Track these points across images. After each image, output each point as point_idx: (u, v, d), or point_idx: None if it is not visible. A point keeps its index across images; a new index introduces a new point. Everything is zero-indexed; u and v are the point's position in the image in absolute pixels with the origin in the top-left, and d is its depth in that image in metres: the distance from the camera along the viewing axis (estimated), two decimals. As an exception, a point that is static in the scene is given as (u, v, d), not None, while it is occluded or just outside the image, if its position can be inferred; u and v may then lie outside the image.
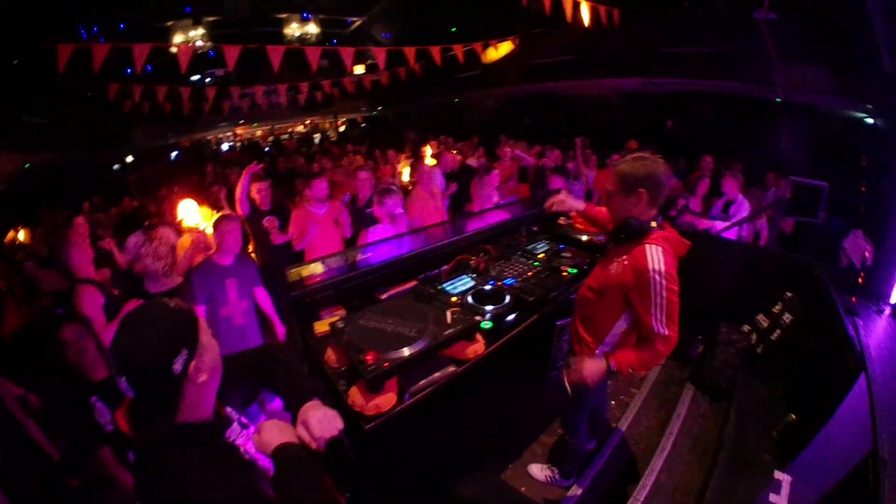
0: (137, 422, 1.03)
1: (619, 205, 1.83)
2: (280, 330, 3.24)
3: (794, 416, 2.40)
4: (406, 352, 1.65)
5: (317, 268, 2.40)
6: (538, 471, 2.60)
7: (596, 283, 1.97)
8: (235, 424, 1.19)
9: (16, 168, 11.07)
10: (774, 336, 3.10)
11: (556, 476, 2.51)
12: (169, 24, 14.58)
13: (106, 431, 2.16)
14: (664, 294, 1.66)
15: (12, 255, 5.70)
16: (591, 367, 1.83)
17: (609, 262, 1.90)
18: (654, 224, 1.77)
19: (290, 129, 20.91)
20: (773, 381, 2.97)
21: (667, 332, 1.69)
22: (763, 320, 3.23)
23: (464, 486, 2.34)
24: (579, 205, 2.46)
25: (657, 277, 1.66)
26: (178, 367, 0.96)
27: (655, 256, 1.68)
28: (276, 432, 1.12)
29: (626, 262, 1.78)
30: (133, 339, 0.94)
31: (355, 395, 1.63)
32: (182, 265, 3.66)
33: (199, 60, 13.96)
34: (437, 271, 2.63)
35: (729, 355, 3.09)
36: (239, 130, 19.47)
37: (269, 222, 3.86)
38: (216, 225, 2.97)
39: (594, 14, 6.57)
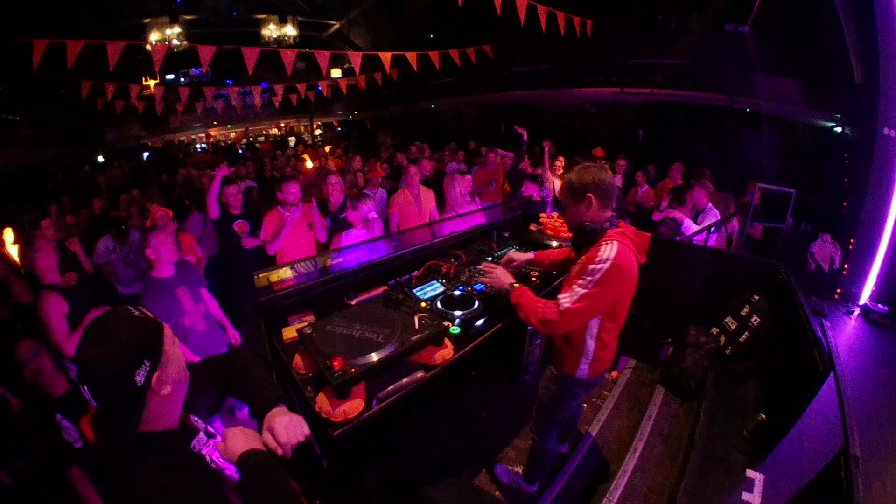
0: (101, 430, 1.01)
1: (572, 213, 1.89)
2: (232, 333, 3.19)
3: (764, 416, 2.46)
4: (373, 357, 1.65)
5: (285, 272, 2.39)
6: (503, 472, 2.62)
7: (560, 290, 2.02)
8: (202, 434, 1.18)
9: None
10: (743, 338, 3.19)
11: (519, 479, 2.53)
12: (146, 20, 14.21)
13: (75, 448, 2.10)
14: (596, 277, 1.69)
15: None
16: (502, 274, 2.06)
17: (570, 269, 1.96)
18: (607, 224, 1.83)
19: (264, 132, 20.62)
20: (743, 381, 3.04)
21: (568, 307, 1.71)
22: (731, 322, 3.32)
23: (436, 491, 2.35)
24: (528, 255, 2.51)
25: (601, 264, 1.70)
26: (140, 378, 0.95)
27: (608, 249, 1.73)
28: (241, 439, 1.11)
29: (582, 261, 1.82)
30: (94, 349, 0.93)
31: (323, 402, 1.62)
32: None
33: (175, 59, 13.66)
34: (407, 277, 2.64)
35: (698, 357, 3.16)
36: (213, 132, 19.10)
37: (239, 226, 3.82)
38: (148, 242, 2.82)
39: (567, 25, 6.71)
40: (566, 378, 2.07)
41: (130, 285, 4.14)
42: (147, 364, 0.97)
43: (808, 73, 7.80)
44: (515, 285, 2.00)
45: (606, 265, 1.69)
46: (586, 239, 1.85)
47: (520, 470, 2.59)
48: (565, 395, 2.17)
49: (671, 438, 2.88)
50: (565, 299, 1.73)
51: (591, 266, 1.71)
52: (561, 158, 5.39)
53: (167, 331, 1.07)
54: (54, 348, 2.49)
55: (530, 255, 2.51)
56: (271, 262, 4.13)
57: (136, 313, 1.02)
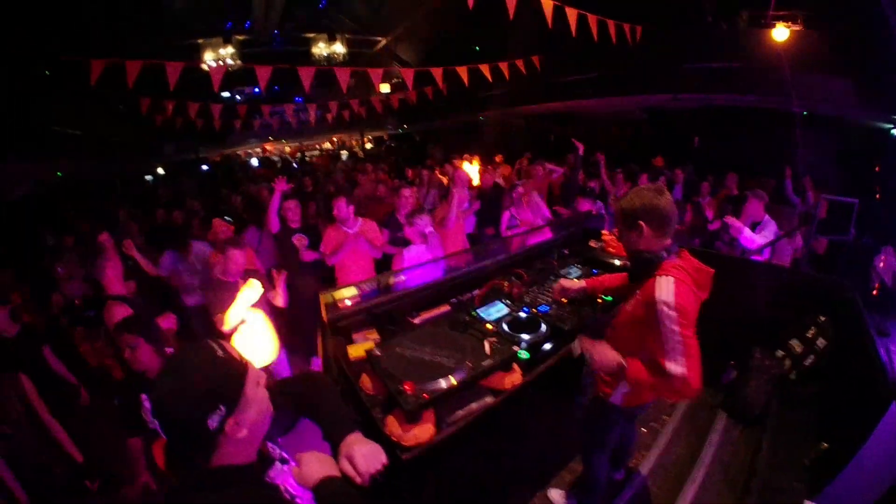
0: (173, 461, 1.01)
1: (626, 240, 1.78)
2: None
3: (825, 445, 2.34)
4: (446, 383, 1.63)
5: (349, 291, 2.42)
6: (558, 497, 2.53)
7: (616, 321, 1.92)
8: (277, 463, 1.17)
9: (47, 177, 11.43)
10: (808, 362, 3.01)
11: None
12: (200, 41, 15.04)
13: (149, 428, 2.18)
14: (674, 328, 1.55)
15: (40, 258, 5.86)
16: (605, 352, 1.76)
17: (626, 300, 1.85)
18: (665, 254, 1.69)
19: (317, 146, 21.28)
20: (807, 407, 2.89)
21: (682, 370, 1.55)
22: (797, 345, 3.12)
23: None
24: (581, 284, 2.37)
25: (665, 309, 1.55)
26: (212, 423, 0.91)
27: (665, 287, 1.59)
28: (316, 465, 1.10)
29: (638, 297, 1.72)
30: (169, 389, 0.90)
31: (393, 425, 1.61)
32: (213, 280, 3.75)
33: (230, 78, 14.39)
34: (469, 295, 2.62)
35: (762, 381, 3.01)
36: (268, 146, 19.92)
37: (298, 240, 3.92)
38: (221, 248, 3.04)
39: (618, 31, 6.57)
40: (602, 403, 1.98)
41: (195, 294, 4.32)
42: (222, 409, 0.92)
43: (863, 73, 7.28)
44: (624, 364, 1.75)
45: (672, 313, 1.54)
46: (641, 269, 1.74)
47: (573, 494, 2.50)
48: (605, 420, 2.06)
49: (732, 467, 2.74)
50: (672, 365, 1.56)
51: (656, 309, 1.57)
52: (620, 171, 5.23)
53: (252, 371, 1.02)
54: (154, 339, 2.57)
55: (583, 283, 2.37)
56: (328, 275, 4.23)
57: (220, 353, 0.97)
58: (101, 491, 2.57)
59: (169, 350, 2.35)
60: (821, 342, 2.98)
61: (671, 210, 1.68)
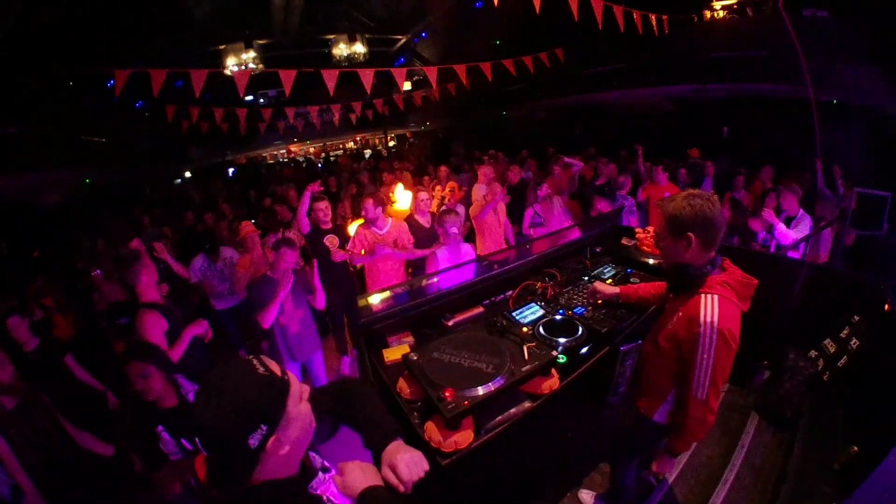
0: (213, 477, 0.98)
1: (668, 250, 1.66)
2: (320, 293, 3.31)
3: (856, 448, 2.24)
4: (485, 389, 1.61)
5: (383, 294, 2.42)
6: (588, 498, 2.52)
7: (655, 336, 1.83)
8: (319, 473, 1.17)
9: (76, 184, 11.78)
10: (841, 363, 2.89)
11: None
12: (221, 47, 15.29)
13: (171, 461, 2.16)
14: (712, 352, 1.49)
15: (73, 263, 6.06)
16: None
17: (666, 316, 1.76)
18: (709, 268, 1.60)
19: (341, 146, 21.49)
20: (839, 409, 2.80)
21: (704, 397, 1.53)
22: (830, 345, 3.02)
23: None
24: (615, 290, 2.36)
25: (708, 331, 1.49)
26: (253, 442, 0.89)
27: (710, 307, 1.51)
28: (359, 475, 1.09)
29: (680, 315, 1.63)
30: (209, 408, 0.88)
31: (432, 431, 1.61)
32: (241, 284, 3.82)
33: (253, 82, 14.58)
34: (502, 297, 2.60)
35: (796, 383, 2.95)
36: (293, 148, 20.25)
37: (329, 240, 3.95)
38: (276, 246, 3.10)
39: (644, 22, 6.40)
40: (643, 418, 1.91)
41: (224, 300, 4.40)
42: (264, 428, 0.90)
43: (891, 60, 6.90)
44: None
45: (714, 336, 1.48)
46: (683, 284, 1.65)
47: (602, 497, 2.49)
48: (642, 435, 2.01)
49: (763, 470, 2.70)
50: (698, 388, 1.55)
51: (698, 331, 1.51)
52: (660, 165, 5.11)
53: (294, 388, 0.99)
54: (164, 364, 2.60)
55: (616, 289, 2.35)
56: (358, 275, 4.26)
57: (261, 370, 0.95)
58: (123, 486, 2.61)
59: (178, 377, 2.38)
60: (854, 343, 2.88)
61: (722, 222, 1.58)
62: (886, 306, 2.76)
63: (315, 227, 4.04)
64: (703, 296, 1.55)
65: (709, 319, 1.50)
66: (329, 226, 4.09)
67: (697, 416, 1.59)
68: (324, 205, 4.05)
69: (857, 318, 2.95)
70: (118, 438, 2.50)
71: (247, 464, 0.93)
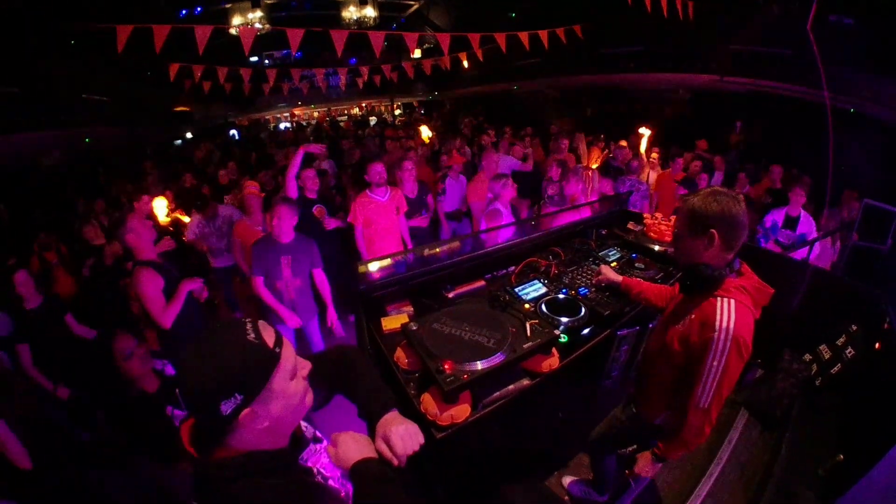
0: (199, 442, 0.93)
1: (686, 247, 1.57)
2: (331, 314, 3.27)
3: (842, 457, 2.28)
4: (485, 364, 1.57)
5: (383, 262, 2.36)
6: (571, 484, 2.56)
7: (661, 337, 1.74)
8: (311, 444, 1.13)
9: (76, 143, 11.47)
10: (835, 370, 2.92)
11: (590, 489, 2.47)
12: (228, 6, 14.83)
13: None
14: (723, 360, 1.42)
15: (70, 224, 5.99)
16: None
17: (677, 317, 1.67)
18: (727, 271, 1.52)
19: (346, 111, 21.01)
20: (828, 416, 2.82)
21: (707, 405, 1.47)
22: (825, 351, 3.05)
23: (515, 493, 2.29)
24: (617, 278, 2.28)
25: (722, 337, 1.41)
26: (225, 409, 0.84)
27: (726, 312, 1.43)
28: (353, 447, 1.06)
29: (693, 317, 1.55)
30: (190, 366, 0.85)
31: (429, 403, 1.58)
32: (234, 248, 3.77)
33: (259, 42, 14.22)
34: (504, 272, 2.55)
35: (789, 384, 2.98)
36: (297, 111, 19.82)
37: (318, 210, 3.87)
38: (273, 205, 3.03)
39: (669, 5, 6.18)
40: (643, 422, 1.88)
41: (222, 257, 4.33)
42: (238, 398, 0.85)
43: None
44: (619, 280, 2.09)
45: (728, 343, 1.41)
46: (699, 286, 1.54)
47: (591, 477, 2.50)
48: (635, 437, 1.99)
49: (748, 467, 2.76)
50: (702, 396, 1.49)
51: (711, 336, 1.43)
52: (657, 150, 5.00)
53: (285, 363, 0.92)
54: (147, 348, 2.48)
55: (619, 278, 2.26)
56: (350, 246, 4.19)
57: (252, 336, 0.89)
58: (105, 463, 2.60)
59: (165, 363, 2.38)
60: (850, 352, 2.90)
61: (746, 222, 1.49)
62: (885, 325, 2.75)
63: (302, 195, 3.88)
64: (719, 299, 1.48)
65: (724, 325, 1.42)
66: (315, 196, 3.97)
67: (696, 425, 1.53)
68: (311, 173, 3.92)
69: (854, 327, 2.97)
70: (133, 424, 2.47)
71: (216, 430, 0.88)
